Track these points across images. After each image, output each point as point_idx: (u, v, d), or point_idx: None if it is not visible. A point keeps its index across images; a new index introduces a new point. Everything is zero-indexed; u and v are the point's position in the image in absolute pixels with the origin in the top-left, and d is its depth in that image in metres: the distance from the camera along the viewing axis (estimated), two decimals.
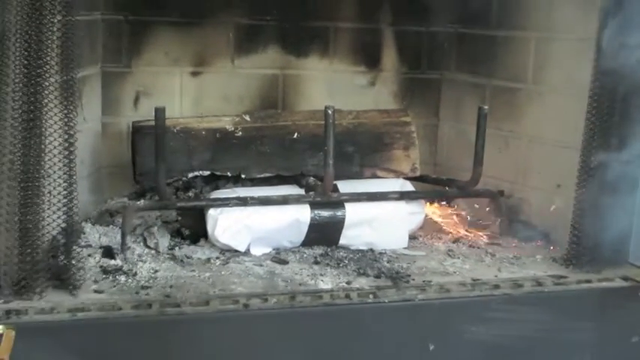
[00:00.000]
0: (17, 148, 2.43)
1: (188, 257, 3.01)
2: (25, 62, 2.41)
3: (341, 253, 3.11)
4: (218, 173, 3.27)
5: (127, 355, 2.52)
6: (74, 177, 2.57)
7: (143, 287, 2.72)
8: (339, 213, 3.15)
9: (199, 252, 3.06)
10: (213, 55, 3.62)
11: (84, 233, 3.05)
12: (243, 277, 2.86)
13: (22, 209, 2.46)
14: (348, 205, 3.16)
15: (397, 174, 3.43)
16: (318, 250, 3.13)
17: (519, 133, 3.45)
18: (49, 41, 2.45)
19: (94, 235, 3.08)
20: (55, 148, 2.52)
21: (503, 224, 3.43)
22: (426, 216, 3.43)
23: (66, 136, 2.54)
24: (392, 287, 2.83)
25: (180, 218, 3.16)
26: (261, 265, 2.98)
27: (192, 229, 3.14)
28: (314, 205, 3.13)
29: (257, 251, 3.09)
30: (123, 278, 2.77)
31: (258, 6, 3.58)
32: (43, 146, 2.48)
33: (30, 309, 2.48)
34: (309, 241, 3.15)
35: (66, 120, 2.54)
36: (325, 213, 3.14)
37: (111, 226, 3.17)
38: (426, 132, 3.81)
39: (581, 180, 2.99)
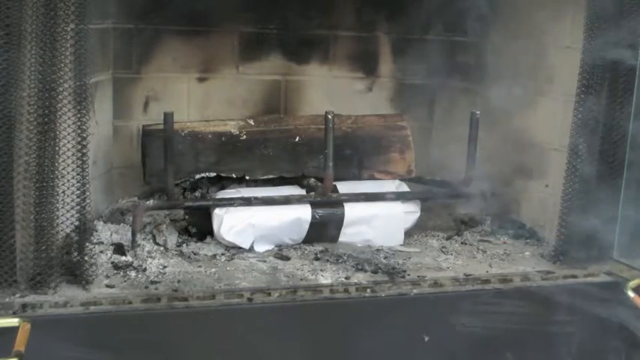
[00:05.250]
0: (32, 150, 2.43)
1: (195, 254, 3.01)
2: (40, 68, 2.41)
3: (340, 250, 3.11)
4: (223, 175, 3.26)
5: (136, 347, 2.51)
6: (87, 177, 2.57)
7: (152, 282, 2.72)
8: (338, 212, 3.15)
9: (206, 249, 3.06)
10: (219, 62, 3.62)
11: (96, 231, 3.05)
12: (248, 273, 2.86)
13: (37, 208, 2.47)
14: (347, 205, 3.16)
15: (393, 175, 3.42)
16: (319, 247, 3.13)
17: (509, 136, 3.45)
18: (63, 48, 2.45)
19: (106, 232, 3.08)
20: (68, 150, 2.53)
21: (494, 222, 3.42)
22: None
23: (79, 139, 2.54)
24: (388, 282, 2.83)
25: (187, 217, 3.16)
26: (264, 261, 2.98)
27: (199, 227, 3.14)
28: (314, 205, 3.12)
29: (260, 248, 3.08)
30: (133, 273, 2.77)
31: (261, 15, 3.57)
32: (57, 148, 2.48)
33: (45, 303, 2.48)
34: (309, 239, 3.15)
35: (79, 123, 2.54)
36: (325, 212, 3.14)
37: (122, 224, 3.17)
38: (421, 135, 3.79)
39: (567, 180, 2.98)
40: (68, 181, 2.53)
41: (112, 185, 3.48)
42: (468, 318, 2.75)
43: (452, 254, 3.16)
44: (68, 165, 2.53)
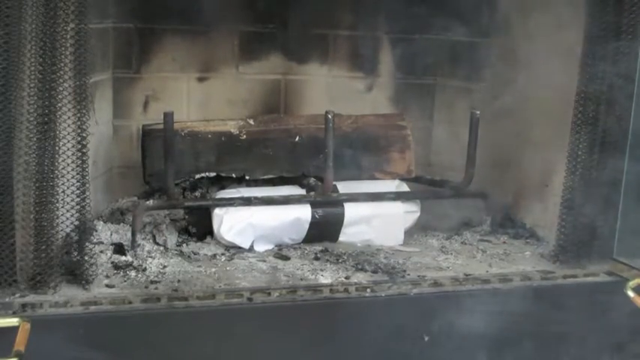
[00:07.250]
0: (32, 149, 2.43)
1: (195, 253, 3.01)
2: (40, 68, 2.41)
3: (340, 250, 3.11)
4: (223, 174, 3.26)
5: (137, 347, 2.52)
6: (87, 177, 2.57)
7: (152, 282, 2.72)
8: (338, 212, 3.15)
9: (205, 248, 3.06)
10: (219, 62, 3.62)
11: (96, 231, 3.03)
12: (247, 273, 2.86)
13: (37, 208, 2.46)
14: (347, 205, 3.17)
15: (393, 175, 3.42)
16: (319, 247, 3.13)
17: (509, 136, 3.45)
18: (63, 48, 2.44)
19: (106, 232, 3.08)
20: (68, 149, 2.52)
21: (494, 222, 3.42)
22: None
23: (79, 139, 2.54)
24: (388, 282, 2.83)
25: (187, 217, 3.16)
26: (264, 261, 2.98)
27: (199, 227, 3.14)
28: (314, 205, 3.13)
29: (260, 248, 3.09)
30: (133, 273, 2.77)
31: (261, 15, 3.57)
32: (57, 148, 2.48)
33: (45, 302, 2.48)
34: (309, 239, 3.15)
35: (79, 123, 2.53)
36: (325, 212, 3.14)
37: (122, 224, 3.17)
38: (421, 135, 3.79)
39: (567, 179, 2.98)
40: (68, 180, 2.53)
41: (112, 185, 3.48)
42: (468, 318, 2.75)
43: (452, 254, 3.16)
44: (68, 164, 2.52)
